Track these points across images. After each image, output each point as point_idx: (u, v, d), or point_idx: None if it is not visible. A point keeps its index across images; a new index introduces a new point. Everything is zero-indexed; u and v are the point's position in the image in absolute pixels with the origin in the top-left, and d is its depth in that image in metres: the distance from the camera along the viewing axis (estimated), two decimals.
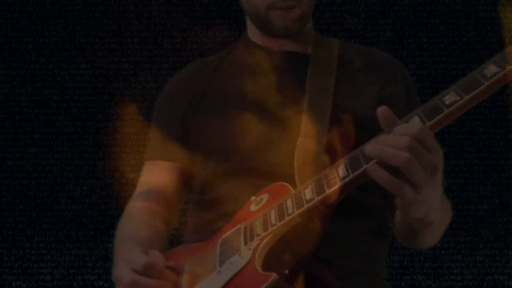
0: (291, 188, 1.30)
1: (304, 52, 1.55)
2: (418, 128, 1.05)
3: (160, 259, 1.25)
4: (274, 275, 1.13)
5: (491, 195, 2.53)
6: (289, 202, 1.22)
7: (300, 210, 1.18)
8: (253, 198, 1.34)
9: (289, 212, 1.20)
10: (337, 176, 1.17)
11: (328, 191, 1.16)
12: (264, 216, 1.25)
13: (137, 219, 1.53)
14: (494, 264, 2.52)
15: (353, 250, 1.38)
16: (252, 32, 1.60)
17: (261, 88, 1.50)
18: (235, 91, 1.52)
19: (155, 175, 1.58)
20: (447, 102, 1.11)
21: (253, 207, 1.33)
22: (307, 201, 1.18)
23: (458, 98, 1.09)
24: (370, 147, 1.08)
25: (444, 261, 2.51)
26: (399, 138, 1.05)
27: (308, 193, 1.19)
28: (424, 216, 1.10)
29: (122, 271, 1.24)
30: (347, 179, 1.13)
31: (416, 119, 1.13)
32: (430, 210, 1.10)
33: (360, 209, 1.41)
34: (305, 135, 1.40)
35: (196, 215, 1.52)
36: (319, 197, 1.16)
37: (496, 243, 2.51)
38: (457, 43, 2.54)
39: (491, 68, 1.09)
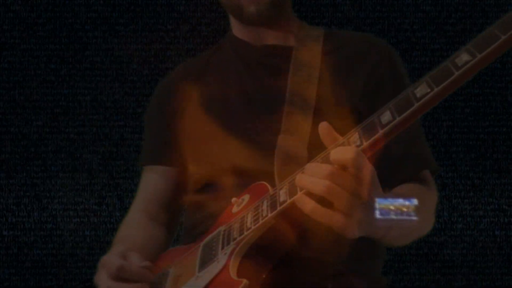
0: (270, 188, 1.26)
1: (286, 45, 1.50)
2: (342, 155, 1.03)
3: (135, 260, 1.24)
4: (244, 282, 1.11)
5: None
6: (264, 204, 1.19)
7: (274, 213, 1.15)
8: (234, 199, 1.32)
9: (264, 214, 1.17)
10: None
11: (300, 192, 1.12)
12: (241, 219, 1.23)
13: (133, 223, 1.55)
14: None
15: (349, 248, 1.33)
16: (235, 26, 1.57)
17: (243, 86, 1.48)
18: (218, 90, 1.50)
19: (154, 180, 1.59)
20: (418, 95, 1.05)
21: (234, 209, 1.31)
22: (281, 203, 1.15)
23: (429, 90, 1.04)
24: (297, 177, 1.08)
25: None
26: (320, 166, 1.04)
27: (282, 195, 1.16)
28: (366, 234, 1.08)
29: (100, 278, 1.25)
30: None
31: (387, 113, 1.08)
32: (370, 228, 1.08)
33: None
34: (285, 132, 1.37)
35: (188, 216, 1.52)
36: (292, 199, 1.12)
37: None
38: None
39: (462, 57, 1.03)
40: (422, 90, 1.05)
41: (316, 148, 1.32)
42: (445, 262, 2.44)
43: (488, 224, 2.43)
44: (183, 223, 1.56)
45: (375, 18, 2.45)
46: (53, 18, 2.54)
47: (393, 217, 1.08)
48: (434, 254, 2.44)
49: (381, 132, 1.06)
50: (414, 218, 1.06)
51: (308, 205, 1.06)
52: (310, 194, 1.09)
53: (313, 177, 1.05)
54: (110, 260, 1.25)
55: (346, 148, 1.05)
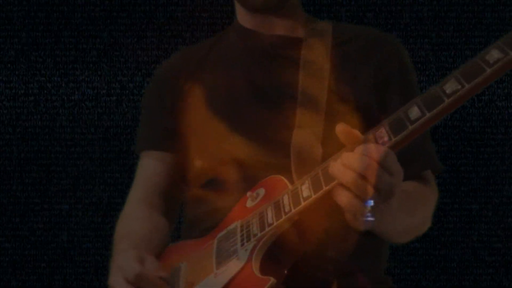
0: (287, 182, 1.24)
1: (295, 36, 1.47)
2: (382, 150, 1.03)
3: (154, 268, 1.21)
4: (272, 280, 1.10)
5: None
6: (285, 199, 1.17)
7: (298, 208, 1.13)
8: (248, 193, 1.29)
9: (286, 210, 1.15)
10: None
11: (326, 187, 1.10)
12: (261, 215, 1.20)
13: (134, 215, 1.49)
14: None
15: (353, 246, 1.32)
16: (241, 15, 1.52)
17: (251, 76, 1.44)
18: (225, 79, 1.46)
19: (153, 167, 1.53)
20: (448, 91, 1.04)
21: (249, 203, 1.28)
22: (305, 199, 1.13)
23: (460, 86, 1.03)
24: (331, 166, 1.07)
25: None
26: (360, 158, 1.03)
27: (305, 190, 1.14)
28: (372, 229, 1.08)
29: (116, 281, 1.21)
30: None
31: (415, 109, 1.07)
32: (380, 223, 1.08)
33: None
34: (300, 125, 1.34)
35: (192, 209, 1.47)
36: (317, 194, 1.11)
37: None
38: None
39: (493, 54, 1.02)
40: (452, 87, 1.04)
41: (329, 143, 1.31)
42: (445, 262, 2.48)
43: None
44: (185, 216, 1.51)
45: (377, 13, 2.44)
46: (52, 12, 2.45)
47: None
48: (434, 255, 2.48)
49: (410, 127, 1.05)
50: (371, 218, 1.08)
51: (345, 197, 1.04)
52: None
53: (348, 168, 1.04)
54: (128, 264, 1.21)
55: (377, 146, 1.04)
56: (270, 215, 1.18)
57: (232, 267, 1.17)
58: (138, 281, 1.18)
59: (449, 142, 2.45)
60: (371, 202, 1.05)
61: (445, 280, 2.47)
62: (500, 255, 2.47)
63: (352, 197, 1.04)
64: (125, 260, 1.23)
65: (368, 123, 1.17)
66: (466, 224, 2.47)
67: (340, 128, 1.08)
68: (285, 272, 1.16)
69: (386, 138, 1.07)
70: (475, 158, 2.47)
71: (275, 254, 1.17)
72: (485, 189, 2.47)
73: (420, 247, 2.45)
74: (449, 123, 2.44)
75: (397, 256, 2.38)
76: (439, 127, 2.41)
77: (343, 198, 1.04)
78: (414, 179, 1.39)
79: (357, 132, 1.09)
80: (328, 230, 1.24)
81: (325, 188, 1.10)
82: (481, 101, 2.46)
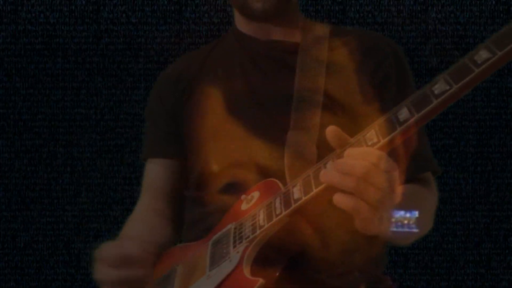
0: (280, 185, 1.25)
1: (292, 41, 1.48)
2: (374, 152, 1.02)
3: (131, 246, 1.23)
4: (260, 281, 1.10)
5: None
6: (277, 202, 1.17)
7: (288, 210, 1.13)
8: (243, 196, 1.30)
9: (277, 212, 1.15)
10: None
11: (316, 190, 1.10)
12: (253, 217, 1.21)
13: (138, 219, 1.53)
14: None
15: (351, 246, 1.31)
16: (239, 21, 1.54)
17: (248, 80, 1.45)
18: (222, 83, 1.47)
19: (156, 174, 1.57)
20: (436, 92, 1.04)
21: (244, 206, 1.29)
22: (295, 201, 1.13)
23: (448, 87, 1.03)
24: (322, 173, 1.05)
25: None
26: (356, 163, 1.01)
27: (296, 192, 1.14)
28: (380, 233, 1.06)
29: (101, 271, 1.22)
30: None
31: (405, 110, 1.07)
32: (387, 227, 1.05)
33: None
34: (295, 128, 1.35)
35: (191, 211, 1.49)
36: (307, 196, 1.11)
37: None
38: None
39: (482, 54, 1.02)
40: (441, 87, 1.04)
41: (325, 144, 1.30)
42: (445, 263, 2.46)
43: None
44: (184, 218, 1.53)
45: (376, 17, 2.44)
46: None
47: (394, 229, 1.08)
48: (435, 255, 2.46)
49: (399, 129, 1.05)
50: (415, 230, 1.06)
51: (350, 203, 1.01)
52: (327, 191, 1.08)
53: (345, 174, 1.02)
54: (107, 251, 1.22)
55: (369, 149, 1.04)
56: (262, 217, 1.18)
57: (224, 269, 1.18)
58: (121, 261, 1.19)
59: (449, 143, 2.43)
60: (416, 214, 1.04)
61: (445, 280, 2.45)
62: (500, 255, 2.44)
63: (358, 201, 1.01)
64: (103, 249, 1.24)
65: (365, 125, 1.17)
66: (466, 225, 2.45)
67: (331, 131, 1.08)
68: (277, 274, 1.16)
69: (375, 140, 1.07)
70: (476, 159, 2.45)
71: (266, 256, 1.17)
72: (485, 190, 2.45)
73: (420, 247, 2.43)
74: (450, 123, 2.43)
75: (396, 256, 2.38)
76: (440, 127, 2.40)
77: (349, 204, 1.02)
78: (414, 181, 1.38)
79: (347, 136, 1.09)
80: (333, 234, 1.24)
81: (315, 190, 1.10)
82: (482, 101, 2.44)
